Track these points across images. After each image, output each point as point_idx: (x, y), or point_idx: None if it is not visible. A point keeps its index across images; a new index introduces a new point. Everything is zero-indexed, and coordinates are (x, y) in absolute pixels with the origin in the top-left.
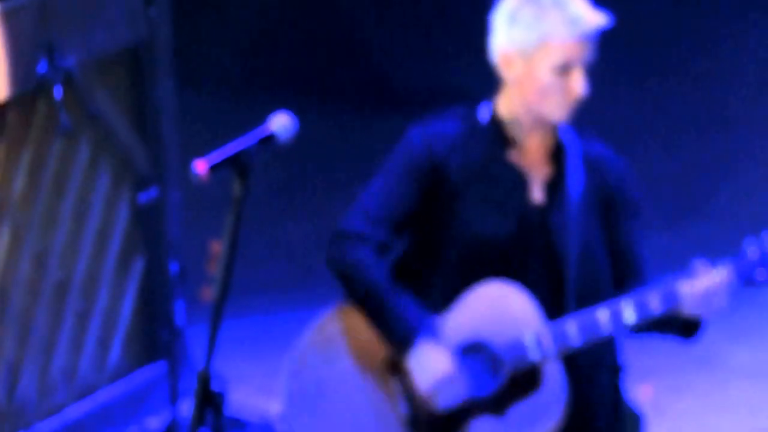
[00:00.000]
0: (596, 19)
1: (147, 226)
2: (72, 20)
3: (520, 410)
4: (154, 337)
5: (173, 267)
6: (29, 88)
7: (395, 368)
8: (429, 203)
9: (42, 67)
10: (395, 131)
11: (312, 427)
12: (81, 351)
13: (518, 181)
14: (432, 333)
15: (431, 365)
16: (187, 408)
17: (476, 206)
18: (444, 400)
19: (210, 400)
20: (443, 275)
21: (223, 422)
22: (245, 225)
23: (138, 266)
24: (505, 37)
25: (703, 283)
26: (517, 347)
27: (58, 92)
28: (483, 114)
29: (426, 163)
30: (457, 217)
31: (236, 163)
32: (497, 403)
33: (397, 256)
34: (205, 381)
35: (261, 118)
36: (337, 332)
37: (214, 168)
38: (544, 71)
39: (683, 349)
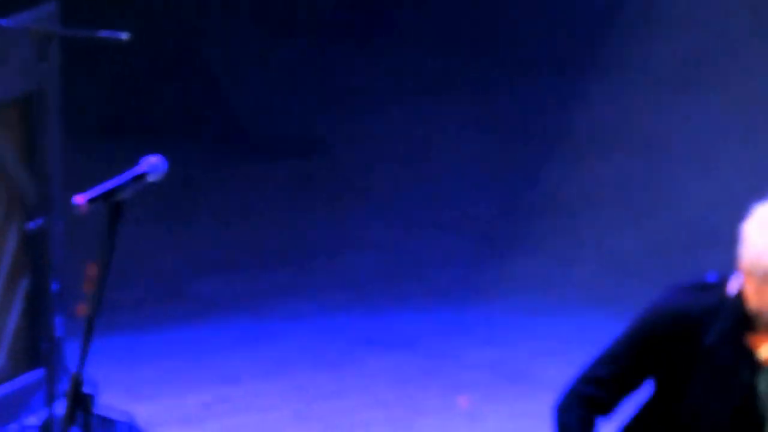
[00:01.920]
0: None
1: (33, 251)
2: None
3: None
4: (35, 347)
5: (54, 286)
6: None
7: None
8: (659, 372)
9: None
10: (254, 173)
11: None
12: None
13: (747, 366)
14: None
15: None
16: (61, 408)
17: (702, 385)
18: None
19: (81, 401)
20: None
21: (92, 420)
22: (119, 250)
23: (24, 285)
24: (743, 253)
25: None
26: None
27: None
28: (733, 286)
29: (660, 336)
30: (682, 391)
31: (111, 198)
32: None
33: (648, 403)
34: (77, 383)
35: (135, 159)
36: None
37: (91, 201)
38: None
39: (499, 364)
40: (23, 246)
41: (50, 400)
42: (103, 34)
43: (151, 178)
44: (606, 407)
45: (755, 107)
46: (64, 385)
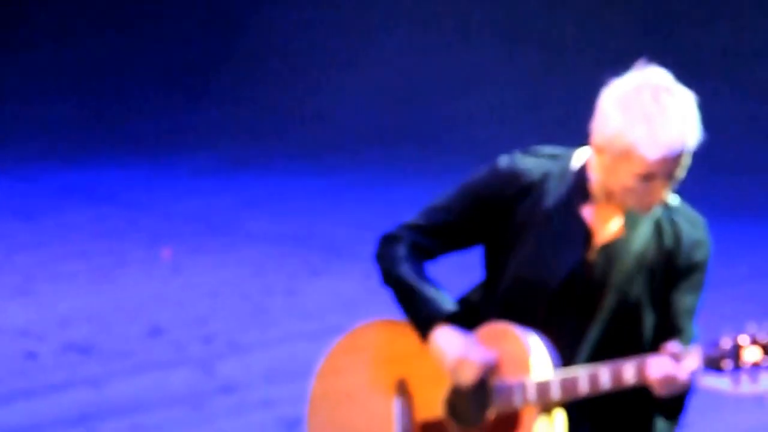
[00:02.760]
0: (681, 142)
1: None
2: None
3: None
4: None
5: None
6: None
7: (403, 389)
8: (488, 232)
9: None
10: None
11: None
12: None
13: (581, 236)
14: (451, 319)
15: (452, 345)
16: None
17: (533, 250)
18: (464, 376)
19: None
20: (494, 305)
21: None
22: None
23: None
24: (597, 129)
25: (669, 365)
26: (506, 389)
27: None
28: (577, 160)
29: (490, 193)
30: (513, 256)
31: None
32: None
33: (482, 280)
34: None
35: None
36: (365, 343)
37: None
38: (627, 175)
39: (201, 216)
40: None
41: None
42: None
43: None
44: (430, 255)
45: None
46: None
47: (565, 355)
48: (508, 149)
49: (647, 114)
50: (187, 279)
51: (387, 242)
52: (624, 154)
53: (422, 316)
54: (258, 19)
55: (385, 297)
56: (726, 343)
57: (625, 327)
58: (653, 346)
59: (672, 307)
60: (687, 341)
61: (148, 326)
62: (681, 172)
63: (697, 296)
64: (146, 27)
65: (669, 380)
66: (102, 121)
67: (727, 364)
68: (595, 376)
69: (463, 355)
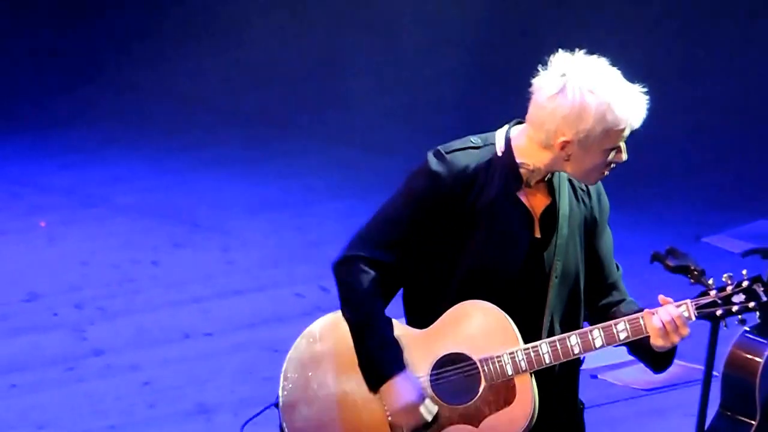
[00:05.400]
0: (644, 97)
1: None
2: None
3: (493, 421)
4: None
5: None
6: None
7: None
8: (438, 233)
9: None
10: None
11: (303, 418)
12: None
13: (525, 218)
14: (404, 376)
15: (401, 397)
16: None
17: (485, 241)
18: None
19: None
20: (446, 301)
21: None
22: None
23: None
24: (571, 123)
25: (665, 317)
26: (494, 361)
27: None
28: (499, 144)
29: (439, 196)
30: (464, 250)
31: None
32: (474, 414)
33: (409, 279)
34: None
35: None
36: (330, 338)
37: None
38: (599, 154)
39: (75, 189)
40: None
41: None
42: None
43: None
44: (390, 272)
45: None
46: None
47: (528, 331)
48: (360, 135)
49: (619, 89)
50: (61, 248)
51: (349, 265)
52: (603, 136)
53: (377, 371)
54: (117, 1)
55: (238, 269)
56: (713, 292)
57: (570, 290)
58: (589, 298)
59: (601, 254)
60: (620, 279)
61: (25, 291)
62: None
63: (610, 234)
64: (20, 10)
65: (671, 329)
66: None
67: (721, 310)
68: (586, 339)
69: (414, 402)
